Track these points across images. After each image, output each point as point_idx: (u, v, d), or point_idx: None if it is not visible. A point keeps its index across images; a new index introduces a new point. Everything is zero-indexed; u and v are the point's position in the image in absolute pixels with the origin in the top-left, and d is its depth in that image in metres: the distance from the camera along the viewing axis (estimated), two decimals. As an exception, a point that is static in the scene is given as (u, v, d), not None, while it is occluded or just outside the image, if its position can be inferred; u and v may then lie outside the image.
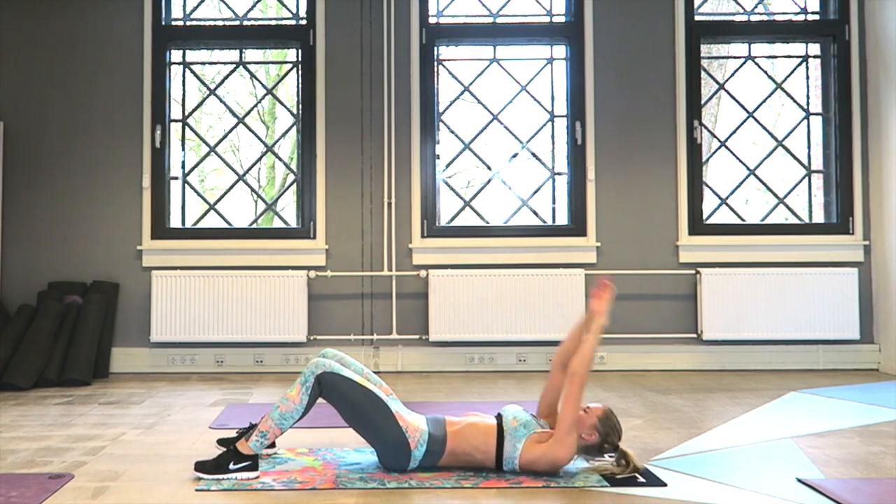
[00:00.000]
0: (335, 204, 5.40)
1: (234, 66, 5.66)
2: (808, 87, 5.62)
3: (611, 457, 2.80)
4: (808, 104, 5.61)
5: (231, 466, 2.71)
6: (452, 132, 5.57)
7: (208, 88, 5.74)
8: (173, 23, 5.54)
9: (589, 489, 2.63)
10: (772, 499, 2.53)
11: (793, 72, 5.64)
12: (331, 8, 5.45)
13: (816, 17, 5.63)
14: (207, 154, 5.75)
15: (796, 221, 5.56)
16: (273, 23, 5.78)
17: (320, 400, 2.77)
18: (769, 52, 5.83)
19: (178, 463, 2.93)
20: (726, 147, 5.56)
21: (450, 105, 5.57)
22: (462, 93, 5.61)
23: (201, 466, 2.73)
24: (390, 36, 5.43)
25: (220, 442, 3.03)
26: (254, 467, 2.73)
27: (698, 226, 5.44)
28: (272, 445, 3.04)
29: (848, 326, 5.24)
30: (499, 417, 2.83)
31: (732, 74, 5.71)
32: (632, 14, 5.48)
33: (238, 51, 5.63)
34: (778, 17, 5.78)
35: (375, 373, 5.16)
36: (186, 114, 5.63)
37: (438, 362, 5.30)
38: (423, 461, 2.76)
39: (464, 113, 6.02)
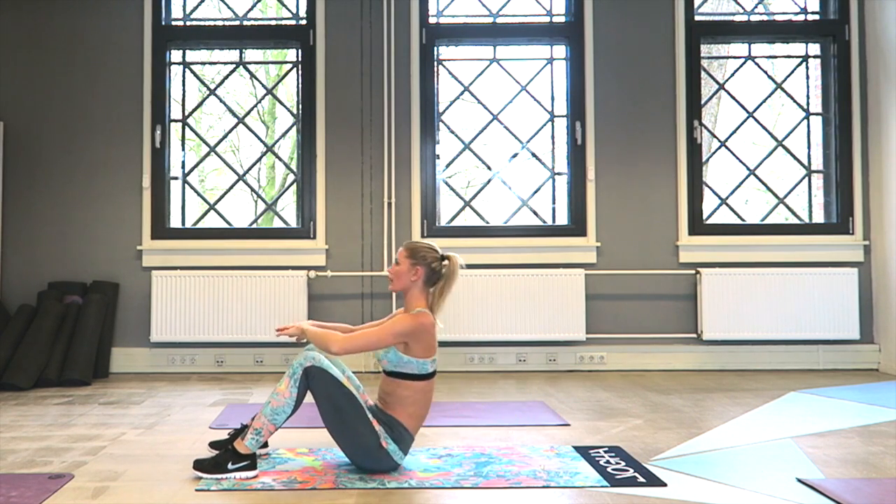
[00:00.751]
0: (335, 204, 5.40)
1: (234, 66, 5.66)
2: (808, 87, 5.62)
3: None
4: (808, 104, 5.61)
5: (230, 466, 2.71)
6: (452, 132, 5.57)
7: (208, 88, 5.74)
8: (173, 23, 5.54)
9: (589, 489, 2.63)
10: (772, 499, 2.53)
11: (793, 72, 5.64)
12: (331, 8, 5.45)
13: (816, 17, 5.64)
14: (207, 154, 5.75)
15: (796, 221, 5.56)
16: (273, 23, 5.78)
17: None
18: (769, 52, 5.83)
19: (178, 463, 2.93)
20: (726, 147, 5.56)
21: (450, 105, 5.57)
22: (462, 93, 5.61)
23: (200, 465, 2.74)
24: (390, 36, 5.44)
25: (213, 445, 3.03)
26: (252, 466, 2.74)
27: (698, 226, 5.44)
28: (264, 445, 3.04)
29: (848, 326, 5.24)
30: (383, 372, 2.89)
31: (732, 74, 5.71)
32: (632, 14, 5.48)
33: (238, 51, 5.63)
34: (778, 17, 5.78)
35: (375, 373, 5.20)
36: (186, 114, 5.63)
37: (439, 362, 5.28)
38: (402, 448, 2.78)
39: (464, 113, 6.01)
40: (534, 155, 5.55)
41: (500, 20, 5.58)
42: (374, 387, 3.06)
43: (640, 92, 5.46)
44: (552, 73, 5.58)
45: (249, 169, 5.99)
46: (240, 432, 2.93)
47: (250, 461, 2.74)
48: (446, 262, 2.89)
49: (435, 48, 5.51)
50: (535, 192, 5.53)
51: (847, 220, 5.44)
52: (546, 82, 5.58)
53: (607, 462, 2.92)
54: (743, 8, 5.69)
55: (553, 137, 5.56)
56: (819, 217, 5.57)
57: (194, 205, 5.78)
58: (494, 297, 5.22)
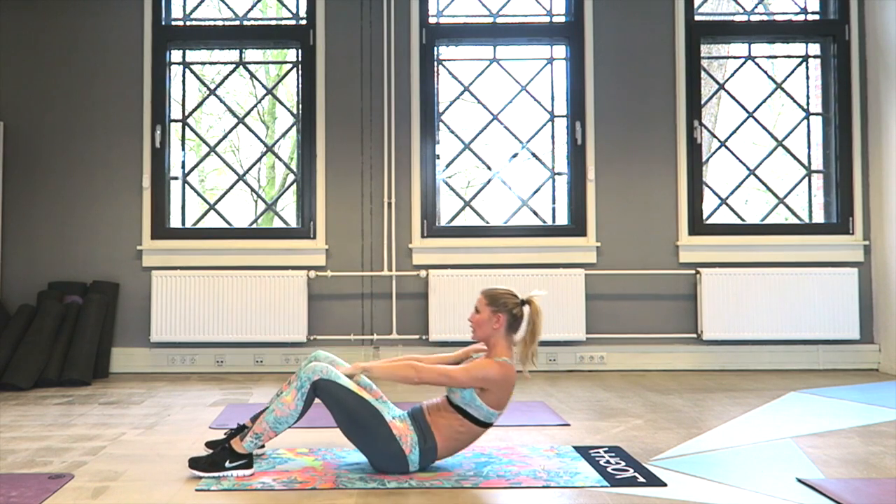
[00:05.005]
0: (335, 204, 5.40)
1: (234, 66, 5.66)
2: (808, 87, 5.62)
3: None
4: (808, 104, 5.61)
5: (226, 465, 2.72)
6: (452, 132, 5.57)
7: (208, 88, 5.74)
8: (173, 23, 5.54)
9: (589, 489, 2.63)
10: (772, 499, 2.53)
11: (793, 72, 5.64)
12: (331, 8, 5.45)
13: (816, 17, 5.63)
14: (207, 154, 5.75)
15: (796, 221, 5.56)
16: (273, 23, 5.78)
17: (319, 401, 2.78)
18: (769, 52, 5.83)
19: (178, 463, 2.93)
20: (726, 147, 5.56)
21: (450, 105, 5.57)
22: (462, 93, 5.61)
23: (196, 463, 2.75)
24: (390, 36, 5.43)
25: (209, 445, 3.03)
26: (248, 466, 2.75)
27: (698, 226, 5.44)
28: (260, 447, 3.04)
29: (848, 326, 5.24)
30: (446, 398, 2.84)
31: (732, 74, 5.71)
32: (632, 14, 5.48)
33: (238, 51, 5.63)
34: (778, 17, 5.78)
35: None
36: (186, 114, 5.62)
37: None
38: (422, 462, 2.76)
39: (464, 113, 6.02)
40: (534, 155, 5.55)
41: (500, 20, 5.57)
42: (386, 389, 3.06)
43: (640, 92, 5.46)
44: (552, 73, 5.58)
45: (249, 169, 5.99)
46: (236, 432, 2.94)
47: (247, 460, 2.75)
48: (527, 306, 2.85)
49: (435, 48, 5.51)
50: (535, 192, 5.53)
51: (847, 220, 5.44)
52: (546, 82, 5.58)
53: (607, 462, 2.92)
54: (743, 8, 5.69)
55: (553, 137, 5.56)
56: (819, 217, 5.57)
57: (194, 205, 5.78)
58: (494, 297, 5.21)
